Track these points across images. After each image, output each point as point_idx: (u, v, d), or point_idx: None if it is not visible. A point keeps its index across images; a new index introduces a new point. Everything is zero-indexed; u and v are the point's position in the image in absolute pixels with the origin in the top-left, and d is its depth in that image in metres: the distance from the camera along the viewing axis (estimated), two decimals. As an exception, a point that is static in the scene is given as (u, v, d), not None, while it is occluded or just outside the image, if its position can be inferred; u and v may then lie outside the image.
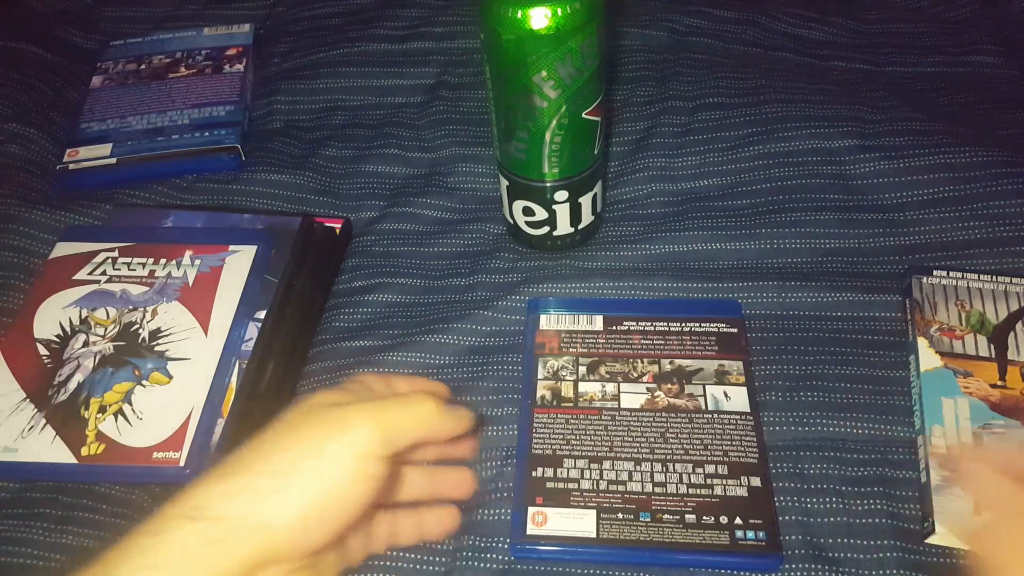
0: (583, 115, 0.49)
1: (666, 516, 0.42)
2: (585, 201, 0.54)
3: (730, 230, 0.58)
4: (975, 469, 0.36)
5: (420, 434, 0.35)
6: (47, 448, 0.46)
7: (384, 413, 0.33)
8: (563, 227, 0.55)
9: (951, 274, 0.52)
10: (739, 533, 0.42)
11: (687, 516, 0.42)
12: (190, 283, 0.53)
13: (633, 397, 0.48)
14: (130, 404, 0.48)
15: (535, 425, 0.47)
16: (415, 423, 0.34)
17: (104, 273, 0.54)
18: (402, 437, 0.34)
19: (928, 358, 0.48)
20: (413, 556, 0.43)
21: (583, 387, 0.48)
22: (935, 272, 0.52)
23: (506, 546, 0.43)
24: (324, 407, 0.34)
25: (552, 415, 0.47)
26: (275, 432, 0.33)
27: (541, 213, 0.54)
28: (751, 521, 0.42)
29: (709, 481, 0.44)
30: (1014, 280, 0.51)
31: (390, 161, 0.66)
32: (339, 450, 0.32)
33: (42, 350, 0.51)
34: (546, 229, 0.55)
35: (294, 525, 0.30)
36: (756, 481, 0.44)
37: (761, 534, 0.41)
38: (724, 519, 0.42)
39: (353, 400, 0.35)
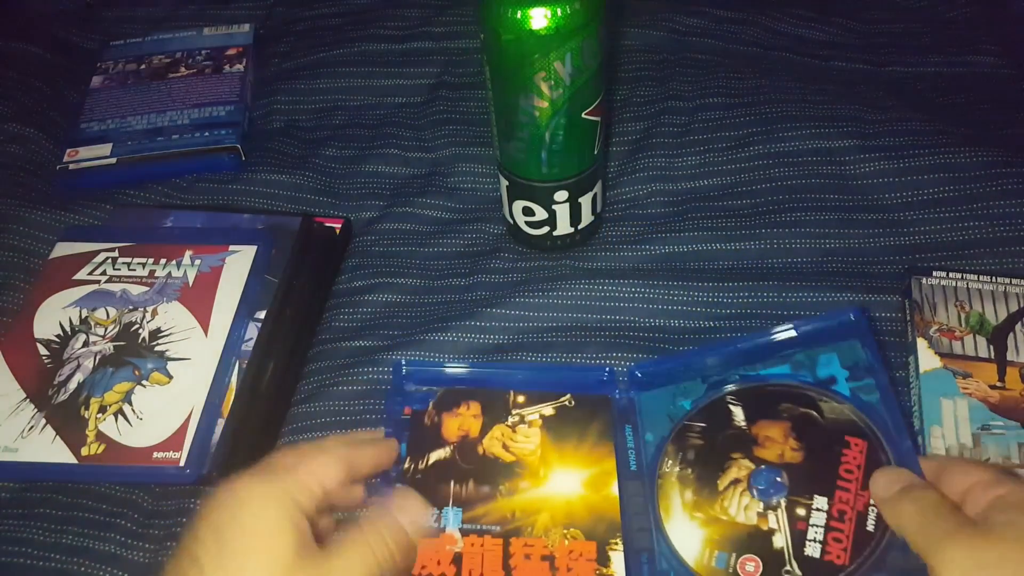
0: (583, 115, 0.49)
1: None
2: (585, 201, 0.54)
3: (730, 230, 0.58)
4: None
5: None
6: (47, 448, 0.46)
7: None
8: (563, 227, 0.55)
9: (951, 275, 0.51)
10: None
11: None
12: (190, 283, 0.53)
13: None
14: (130, 404, 0.48)
15: None
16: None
17: (104, 273, 0.54)
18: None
19: (927, 359, 0.48)
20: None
21: None
22: (935, 273, 0.52)
23: None
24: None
25: None
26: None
27: (541, 213, 0.54)
28: None
29: None
30: (1014, 281, 0.51)
31: (390, 161, 0.66)
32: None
33: (42, 350, 0.51)
34: (546, 229, 0.55)
35: None
36: None
37: None
38: None
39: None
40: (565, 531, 0.40)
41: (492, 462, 0.43)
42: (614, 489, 0.42)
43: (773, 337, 0.44)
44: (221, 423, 0.48)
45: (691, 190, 0.61)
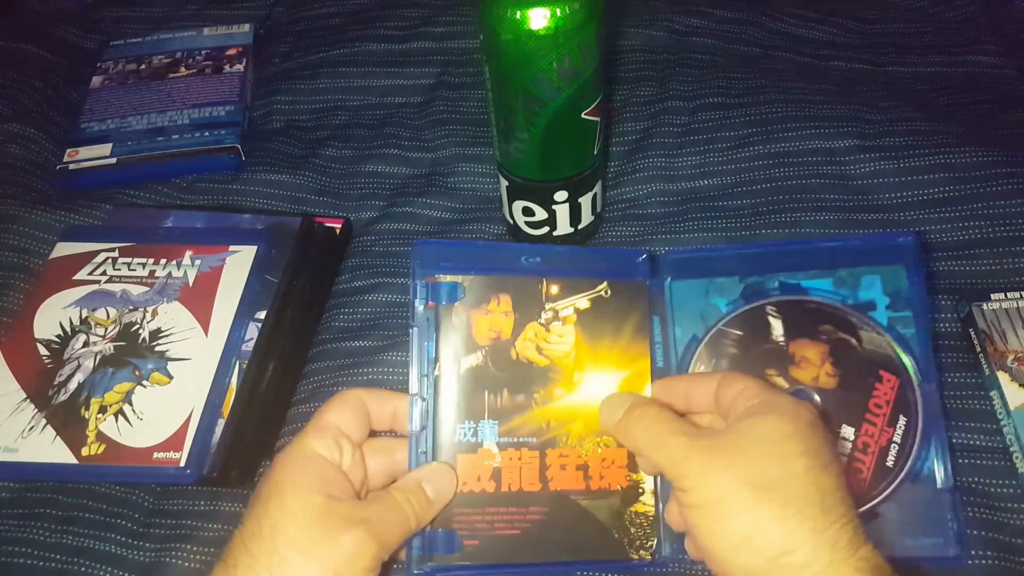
0: (583, 115, 0.49)
1: None
2: (585, 201, 0.54)
3: (730, 230, 0.58)
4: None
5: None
6: (47, 448, 0.46)
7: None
8: (563, 227, 0.55)
9: (1010, 295, 0.47)
10: None
11: None
12: (190, 283, 0.53)
13: None
14: (130, 404, 0.48)
15: None
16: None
17: (104, 273, 0.54)
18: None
19: (1014, 394, 0.44)
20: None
21: None
22: (993, 296, 0.47)
23: None
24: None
25: None
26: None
27: (541, 213, 0.54)
28: None
29: None
30: None
31: (390, 161, 0.66)
32: None
33: (42, 350, 0.51)
34: (546, 229, 0.55)
35: None
36: None
37: None
38: None
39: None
40: (598, 439, 0.41)
41: (526, 367, 0.42)
42: (647, 392, 0.42)
43: (817, 244, 0.44)
44: (221, 423, 0.48)
45: (691, 190, 0.61)
